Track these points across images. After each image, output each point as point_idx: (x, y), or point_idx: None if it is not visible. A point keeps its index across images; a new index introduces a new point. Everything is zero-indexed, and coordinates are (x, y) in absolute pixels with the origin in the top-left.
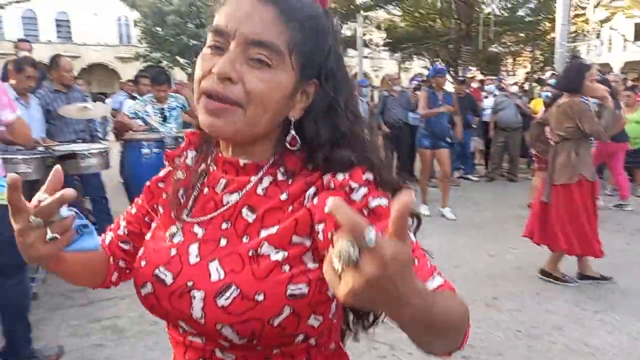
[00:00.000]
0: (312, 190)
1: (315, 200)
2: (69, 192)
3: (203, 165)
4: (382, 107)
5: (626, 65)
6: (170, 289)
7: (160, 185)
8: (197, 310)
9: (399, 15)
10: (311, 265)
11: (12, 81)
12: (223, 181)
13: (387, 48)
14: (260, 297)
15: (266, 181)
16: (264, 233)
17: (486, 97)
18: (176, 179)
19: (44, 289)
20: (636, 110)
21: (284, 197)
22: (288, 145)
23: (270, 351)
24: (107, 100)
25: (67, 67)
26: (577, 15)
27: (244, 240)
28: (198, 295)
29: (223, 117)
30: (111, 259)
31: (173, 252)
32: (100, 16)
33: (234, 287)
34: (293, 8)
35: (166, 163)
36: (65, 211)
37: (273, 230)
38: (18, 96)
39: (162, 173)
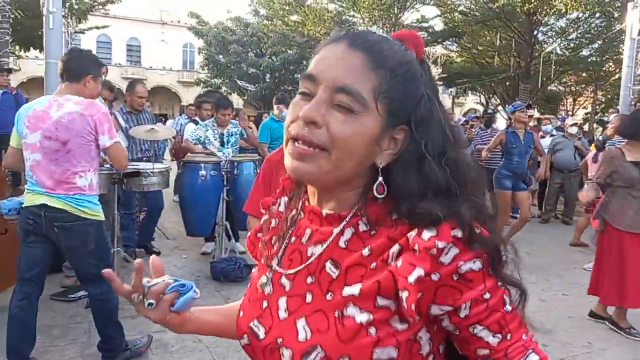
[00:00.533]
0: (395, 248)
1: (399, 263)
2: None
3: (293, 212)
4: None
5: None
6: (263, 344)
7: (259, 235)
8: None
9: (456, 51)
10: (399, 326)
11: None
12: (308, 231)
13: (441, 83)
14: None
15: (348, 232)
16: (347, 290)
17: (543, 137)
18: (270, 227)
19: None
20: None
21: (365, 252)
22: (375, 193)
23: None
24: (168, 122)
25: (140, 92)
26: None
27: (328, 297)
28: (287, 353)
29: (308, 162)
30: None
31: (265, 304)
32: (168, 43)
33: (319, 348)
34: (383, 55)
35: (263, 211)
36: (152, 282)
37: (356, 289)
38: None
39: (260, 222)
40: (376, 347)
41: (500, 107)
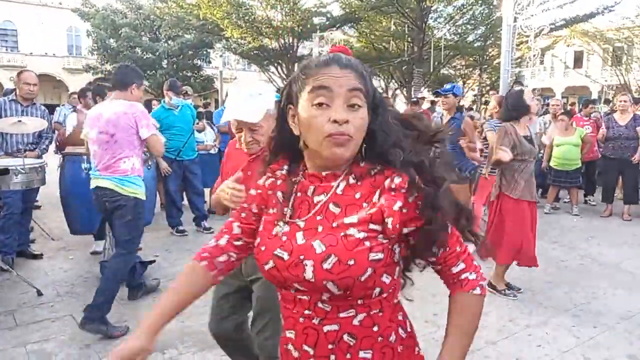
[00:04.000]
0: (378, 192)
1: (383, 200)
2: None
3: (298, 177)
4: None
5: (566, 90)
6: (288, 263)
7: (270, 192)
8: (309, 273)
9: (354, 36)
10: (383, 241)
11: None
12: (312, 187)
13: None
14: (352, 262)
15: (342, 184)
16: (347, 220)
17: (435, 118)
18: (279, 187)
19: None
20: (572, 133)
21: (357, 195)
22: (363, 152)
23: (355, 301)
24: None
25: (28, 79)
26: (521, 42)
27: (334, 225)
28: (309, 263)
29: (344, 147)
30: (219, 263)
31: (284, 238)
32: (49, 26)
33: (333, 255)
34: (360, 69)
35: (269, 174)
36: None
37: (355, 218)
38: None
39: (267, 182)
40: (370, 252)
41: (398, 91)
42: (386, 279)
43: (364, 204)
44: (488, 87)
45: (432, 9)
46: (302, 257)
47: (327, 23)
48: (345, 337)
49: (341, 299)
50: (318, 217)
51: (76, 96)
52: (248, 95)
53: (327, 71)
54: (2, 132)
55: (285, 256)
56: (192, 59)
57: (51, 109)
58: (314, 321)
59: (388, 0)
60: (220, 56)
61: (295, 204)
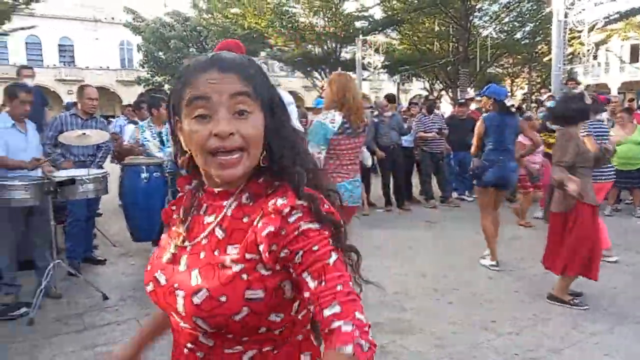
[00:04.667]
0: (260, 213)
1: (259, 224)
2: None
3: (199, 193)
4: (375, 133)
5: (623, 85)
6: (164, 289)
7: (173, 208)
8: (179, 305)
9: (397, 39)
10: (264, 272)
11: (7, 108)
12: (205, 205)
13: (385, 70)
14: (223, 299)
15: (234, 205)
16: (230, 249)
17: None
18: (182, 203)
19: (41, 314)
20: (633, 131)
21: (245, 219)
22: (261, 163)
23: (239, 339)
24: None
25: (91, 94)
26: (573, 38)
27: (216, 253)
28: (180, 294)
29: (234, 168)
30: None
31: (168, 260)
32: (103, 41)
33: (204, 289)
34: (245, 67)
35: (179, 189)
36: None
37: (236, 248)
38: (14, 122)
39: (174, 198)
40: (247, 289)
41: (444, 92)
42: (275, 318)
43: (250, 229)
44: (539, 86)
45: (477, 7)
46: (176, 285)
47: (369, 27)
48: None
49: (221, 335)
50: (204, 242)
51: (130, 108)
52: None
53: (205, 77)
54: (67, 144)
55: (163, 281)
56: None
57: (106, 120)
58: (198, 354)
59: (431, 1)
60: (264, 64)
61: (190, 223)
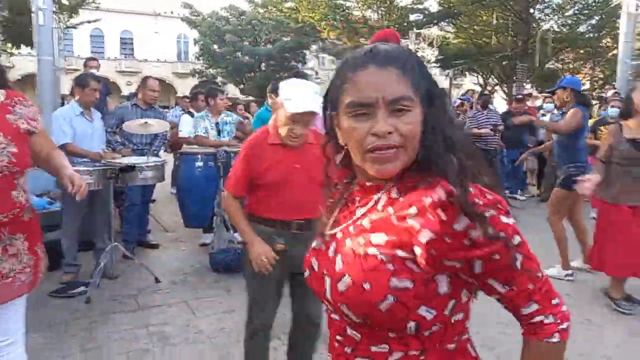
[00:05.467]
0: (413, 209)
1: (416, 223)
2: None
3: (353, 186)
4: None
5: None
6: (315, 275)
7: (331, 201)
8: (327, 291)
9: (452, 32)
10: (416, 269)
11: (77, 96)
12: (357, 197)
13: (438, 64)
14: (367, 286)
15: (383, 198)
16: (374, 237)
17: (543, 116)
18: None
19: (98, 293)
20: None
21: (390, 210)
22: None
23: (386, 333)
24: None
25: (153, 86)
26: None
27: (361, 241)
28: (328, 280)
29: (391, 162)
30: None
31: (322, 247)
32: (162, 34)
33: (347, 275)
34: (403, 61)
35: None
36: None
37: (381, 237)
38: (82, 110)
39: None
40: (393, 277)
41: (497, 87)
42: (427, 314)
43: (397, 222)
44: (602, 82)
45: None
46: (325, 271)
47: (423, 20)
48: None
49: (368, 327)
50: (351, 229)
51: (186, 99)
52: (314, 92)
53: (364, 76)
54: (127, 132)
55: (316, 267)
56: (289, 61)
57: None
58: (346, 349)
59: None
60: (316, 57)
61: (341, 214)
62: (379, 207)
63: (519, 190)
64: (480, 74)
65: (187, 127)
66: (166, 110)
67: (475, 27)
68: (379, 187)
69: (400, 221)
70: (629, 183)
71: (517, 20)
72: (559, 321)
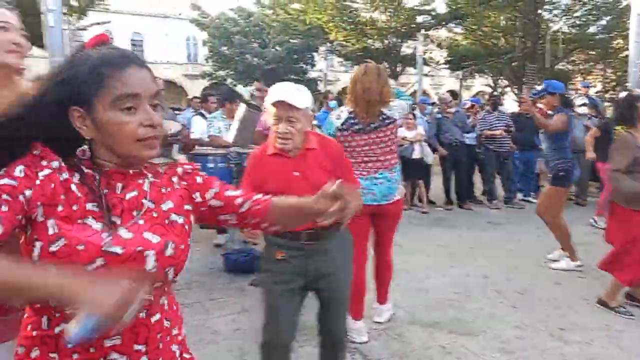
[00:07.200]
0: (175, 178)
1: (184, 183)
2: None
3: (96, 177)
4: (437, 129)
5: None
6: (123, 257)
7: (52, 186)
8: (150, 264)
9: (460, 33)
10: (192, 216)
11: None
12: (119, 185)
13: (447, 66)
14: (183, 246)
15: (147, 182)
16: (164, 207)
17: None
18: (65, 182)
19: None
20: None
21: (163, 190)
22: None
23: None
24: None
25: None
26: None
27: (154, 214)
28: (150, 253)
29: (155, 149)
30: None
31: (106, 235)
32: (171, 36)
33: (171, 242)
34: (146, 63)
35: (45, 163)
36: None
37: (171, 204)
38: None
39: (42, 174)
40: (189, 236)
41: (508, 89)
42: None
43: (164, 190)
44: (613, 83)
45: (547, 0)
46: (140, 248)
47: (432, 21)
48: (165, 323)
49: (163, 286)
50: (134, 212)
51: (197, 100)
52: (296, 88)
53: (129, 73)
54: None
55: (119, 250)
56: (297, 63)
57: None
58: (141, 316)
59: None
60: (325, 59)
61: (106, 202)
62: (146, 188)
63: (532, 193)
64: (490, 75)
65: (199, 128)
66: (178, 112)
67: (483, 28)
68: (142, 174)
69: (171, 189)
70: None
71: (526, 21)
72: None
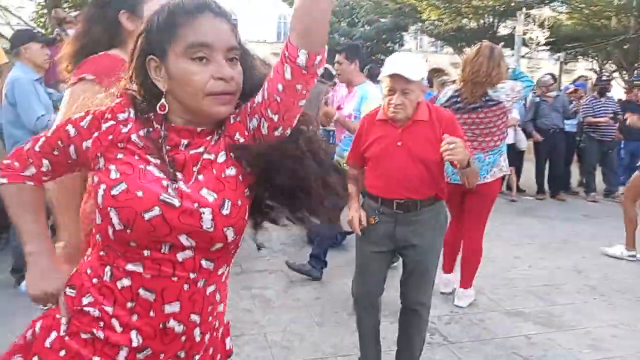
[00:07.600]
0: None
1: (232, 121)
2: None
3: (161, 130)
4: (535, 114)
5: None
6: (179, 210)
7: (110, 137)
8: (207, 222)
9: (566, 12)
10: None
11: None
12: (184, 141)
13: (548, 47)
14: (239, 202)
15: (215, 139)
16: (219, 159)
17: None
18: (127, 134)
19: None
20: None
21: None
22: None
23: (231, 252)
24: None
25: None
26: None
27: (214, 171)
28: (207, 211)
29: (228, 105)
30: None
31: (165, 183)
32: (263, 14)
33: (227, 200)
34: (227, 12)
35: (109, 116)
36: None
37: (222, 156)
38: None
39: (105, 126)
40: (245, 189)
41: (616, 74)
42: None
43: (219, 142)
44: None
45: None
46: (196, 204)
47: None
48: (217, 296)
49: (224, 250)
50: (194, 168)
51: None
52: (411, 59)
53: (202, 21)
54: None
55: (176, 202)
56: (386, 43)
57: None
58: (199, 285)
59: None
60: (414, 39)
61: (169, 156)
62: (211, 143)
63: None
64: (596, 58)
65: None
66: None
67: (592, 7)
68: (212, 132)
69: (219, 141)
70: None
71: None
72: None
